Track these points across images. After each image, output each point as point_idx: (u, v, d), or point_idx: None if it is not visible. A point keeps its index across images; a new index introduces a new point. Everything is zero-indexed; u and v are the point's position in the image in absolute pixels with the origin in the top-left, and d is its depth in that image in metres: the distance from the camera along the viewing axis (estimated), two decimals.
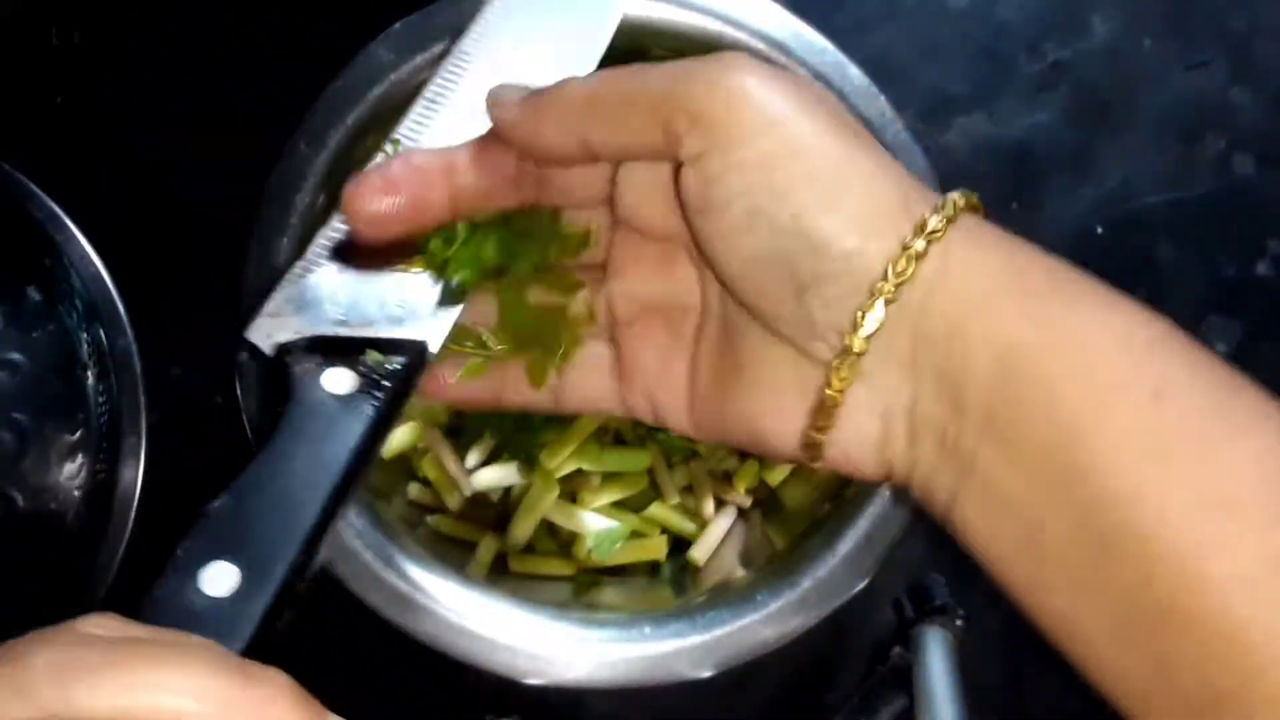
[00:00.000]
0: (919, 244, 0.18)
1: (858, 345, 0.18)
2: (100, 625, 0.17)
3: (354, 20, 0.34)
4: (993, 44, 0.40)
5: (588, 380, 0.23)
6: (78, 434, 0.37)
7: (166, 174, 0.40)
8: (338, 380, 0.21)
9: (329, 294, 0.23)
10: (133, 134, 0.40)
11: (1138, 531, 0.16)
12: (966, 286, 0.18)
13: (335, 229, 0.23)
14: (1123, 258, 0.40)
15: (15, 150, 0.36)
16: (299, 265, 0.23)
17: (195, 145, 0.40)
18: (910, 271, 0.18)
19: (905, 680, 0.34)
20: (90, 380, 0.37)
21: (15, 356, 0.37)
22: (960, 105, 0.40)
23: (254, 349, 0.23)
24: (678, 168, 0.20)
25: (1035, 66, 0.40)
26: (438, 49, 0.33)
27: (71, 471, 0.37)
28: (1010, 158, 0.40)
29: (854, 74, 0.33)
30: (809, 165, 0.18)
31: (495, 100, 0.22)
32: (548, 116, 0.20)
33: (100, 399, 0.37)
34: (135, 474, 0.35)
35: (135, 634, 0.17)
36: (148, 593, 0.19)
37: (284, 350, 0.22)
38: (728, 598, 0.32)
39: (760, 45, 0.33)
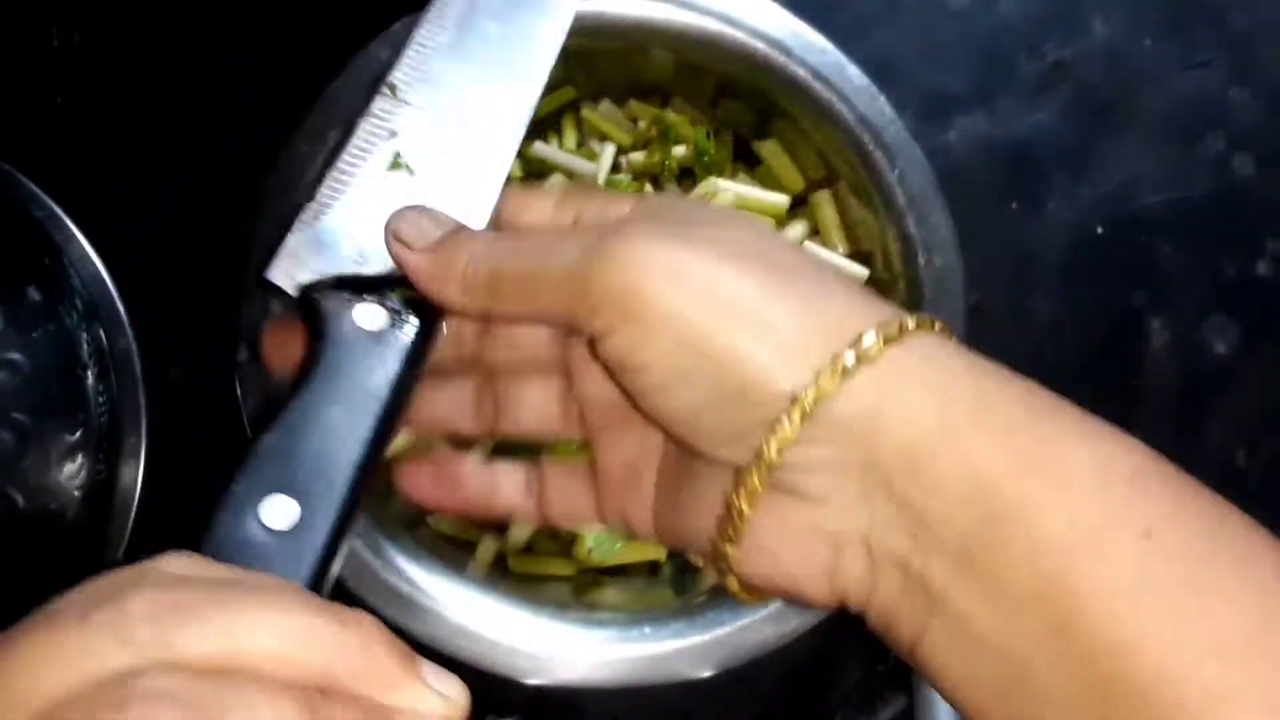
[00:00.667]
0: (847, 359, 0.17)
1: (771, 454, 0.17)
2: (183, 565, 0.16)
3: (354, 20, 0.34)
4: (993, 44, 0.40)
5: (568, 492, 0.23)
6: (78, 434, 0.37)
7: (166, 174, 0.40)
8: (368, 316, 0.22)
9: (346, 235, 0.23)
10: (133, 134, 0.40)
11: (1137, 682, 0.15)
12: (925, 414, 0.17)
13: (343, 169, 0.24)
14: (1123, 258, 0.40)
15: (15, 150, 0.36)
16: (310, 208, 0.23)
17: (195, 145, 0.40)
18: (833, 388, 0.17)
19: (905, 680, 0.34)
20: (90, 380, 0.37)
21: (15, 356, 0.37)
22: (960, 105, 0.40)
23: (276, 290, 0.23)
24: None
25: (1035, 66, 0.40)
26: None
27: (71, 471, 0.37)
28: (1010, 158, 0.40)
29: (854, 74, 0.33)
30: (726, 319, 0.18)
31: (397, 235, 0.22)
32: (450, 281, 0.20)
33: (100, 399, 0.37)
34: (135, 474, 0.35)
35: (223, 575, 0.16)
36: (208, 528, 0.19)
37: (309, 289, 0.22)
38: (728, 598, 0.32)
39: (760, 45, 0.33)
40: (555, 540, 0.35)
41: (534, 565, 0.35)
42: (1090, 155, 0.40)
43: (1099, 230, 0.40)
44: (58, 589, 0.34)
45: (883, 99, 0.33)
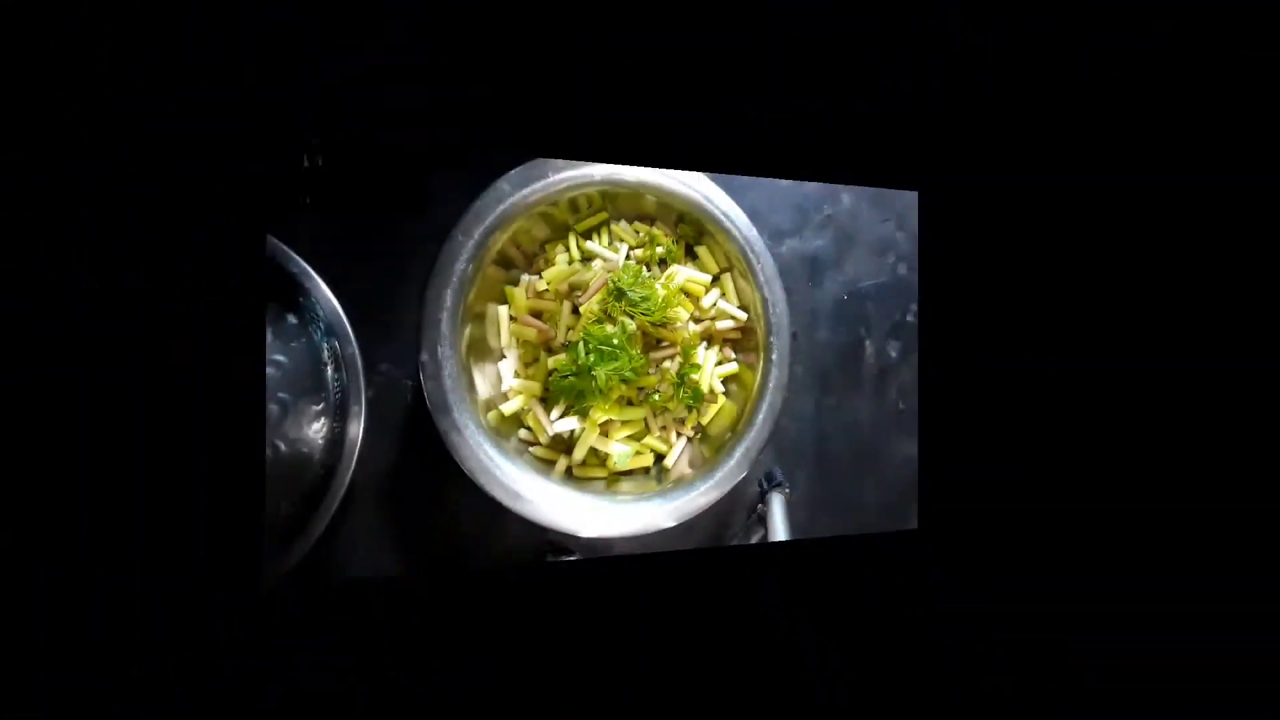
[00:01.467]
0: None
1: None
2: None
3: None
4: (801, 204, 0.76)
5: None
6: (320, 405, 0.58)
7: (385, 233, 0.61)
8: None
9: None
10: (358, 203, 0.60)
11: None
12: None
13: None
14: (854, 312, 0.78)
15: (278, 226, 0.55)
16: None
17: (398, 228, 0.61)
18: None
19: (762, 520, 0.69)
20: (329, 372, 0.58)
21: (279, 358, 0.57)
22: (787, 233, 0.76)
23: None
24: None
25: (818, 216, 0.77)
26: (546, 181, 0.60)
27: (317, 429, 0.57)
28: (808, 260, 0.76)
29: (740, 214, 0.66)
30: None
31: None
32: None
33: (335, 384, 0.58)
34: (358, 430, 0.57)
35: None
36: None
37: None
38: (682, 483, 0.64)
39: (697, 195, 0.65)
40: (597, 458, 0.64)
41: (586, 471, 0.63)
42: (842, 261, 0.78)
43: (844, 298, 0.78)
44: (310, 504, 0.56)
45: (754, 228, 0.67)
